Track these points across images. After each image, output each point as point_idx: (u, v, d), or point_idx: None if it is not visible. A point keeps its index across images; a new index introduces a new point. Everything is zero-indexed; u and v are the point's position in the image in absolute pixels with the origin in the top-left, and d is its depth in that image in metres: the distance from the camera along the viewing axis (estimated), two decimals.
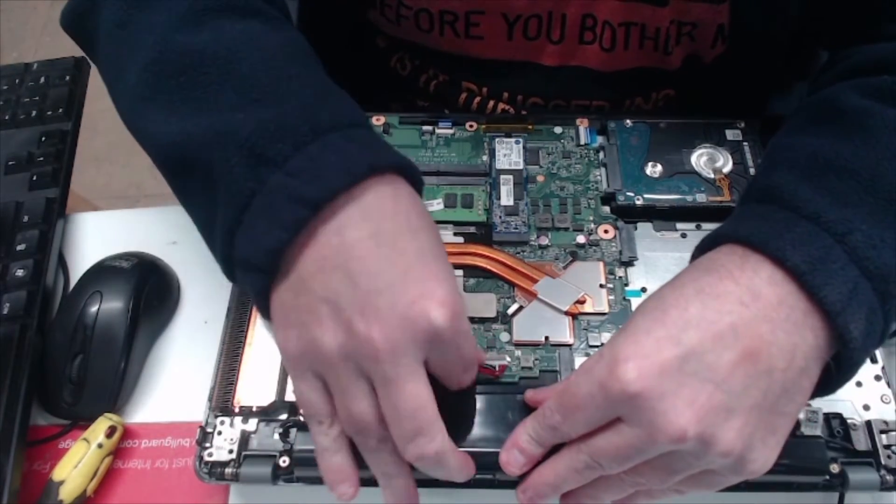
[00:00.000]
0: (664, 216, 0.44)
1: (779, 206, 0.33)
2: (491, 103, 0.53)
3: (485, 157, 0.46)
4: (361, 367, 0.30)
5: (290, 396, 0.37)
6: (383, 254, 0.31)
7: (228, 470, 0.37)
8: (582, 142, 0.47)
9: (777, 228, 0.32)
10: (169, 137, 0.34)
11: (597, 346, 0.39)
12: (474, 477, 0.36)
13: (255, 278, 0.32)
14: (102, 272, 0.45)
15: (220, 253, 0.33)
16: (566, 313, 0.40)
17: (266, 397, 0.37)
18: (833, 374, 0.32)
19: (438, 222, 0.43)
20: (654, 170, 0.45)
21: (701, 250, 0.34)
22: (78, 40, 0.43)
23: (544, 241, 0.43)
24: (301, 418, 0.37)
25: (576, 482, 0.33)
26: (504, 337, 0.40)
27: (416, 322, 0.29)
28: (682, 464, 0.30)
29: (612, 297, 0.41)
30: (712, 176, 0.45)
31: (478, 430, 0.36)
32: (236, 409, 0.38)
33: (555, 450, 0.33)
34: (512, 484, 0.37)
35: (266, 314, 0.33)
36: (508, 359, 0.39)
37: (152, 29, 0.36)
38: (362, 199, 0.31)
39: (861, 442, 0.37)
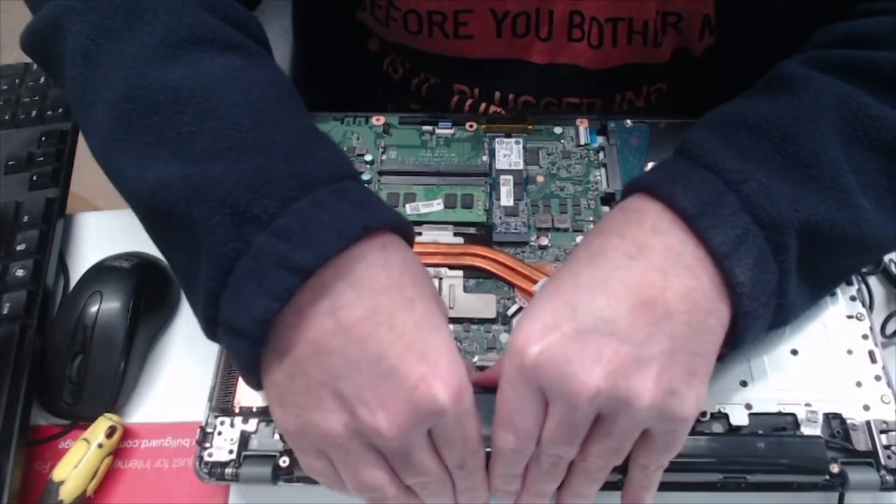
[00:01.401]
0: None
1: (683, 156, 0.34)
2: (483, 105, 0.54)
3: (485, 158, 0.46)
4: (368, 443, 0.30)
5: None
6: (381, 335, 0.29)
7: (228, 470, 0.37)
8: (582, 142, 0.47)
9: (673, 175, 0.33)
10: (146, 186, 0.32)
11: None
12: None
13: (242, 346, 0.30)
14: (102, 272, 0.45)
15: (202, 313, 0.31)
16: None
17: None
18: (731, 330, 0.32)
19: (438, 222, 0.43)
20: None
21: (622, 198, 0.35)
22: (41, 65, 0.39)
23: (544, 241, 0.43)
24: None
25: (553, 482, 0.33)
26: (504, 338, 0.40)
27: (421, 405, 0.29)
28: (615, 426, 0.30)
29: None
30: None
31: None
32: (236, 410, 0.38)
33: None
34: None
35: (253, 384, 0.32)
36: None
37: (123, 62, 0.33)
38: (354, 270, 0.30)
39: (861, 442, 0.37)
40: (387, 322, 0.29)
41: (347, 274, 0.30)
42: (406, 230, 0.33)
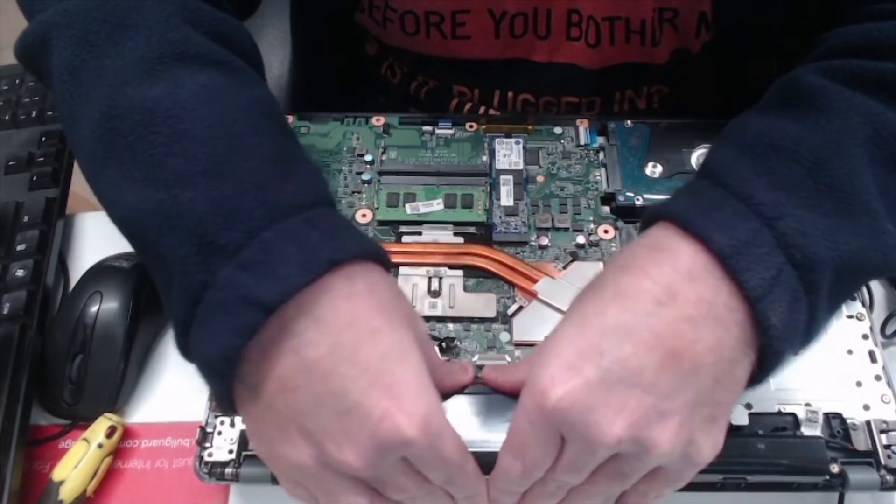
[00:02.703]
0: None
1: (712, 181, 0.32)
2: (482, 108, 0.54)
3: (485, 158, 0.46)
4: (342, 472, 0.30)
5: None
6: (345, 371, 0.29)
7: (228, 470, 0.37)
8: (582, 142, 0.47)
9: (705, 206, 0.31)
10: (123, 210, 0.31)
11: None
12: None
13: (213, 379, 0.30)
14: (102, 272, 0.45)
15: (176, 340, 0.31)
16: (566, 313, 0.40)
17: None
18: (757, 364, 0.32)
19: (438, 222, 0.43)
20: (654, 170, 0.45)
21: (642, 227, 0.34)
22: (35, 76, 0.38)
23: (544, 241, 0.43)
24: None
25: (554, 500, 0.33)
26: (504, 337, 0.40)
27: (386, 439, 0.28)
28: (630, 467, 0.31)
29: None
30: None
31: (478, 430, 0.36)
32: None
33: None
34: None
35: (227, 411, 0.33)
36: (508, 359, 0.39)
37: (105, 79, 0.32)
38: (317, 304, 0.29)
39: (861, 442, 0.37)
40: (350, 357, 0.29)
41: (311, 309, 0.29)
42: (379, 257, 0.32)
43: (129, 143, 0.31)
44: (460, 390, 0.36)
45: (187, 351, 0.31)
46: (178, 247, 0.29)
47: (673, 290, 0.30)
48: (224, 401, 0.31)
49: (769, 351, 0.30)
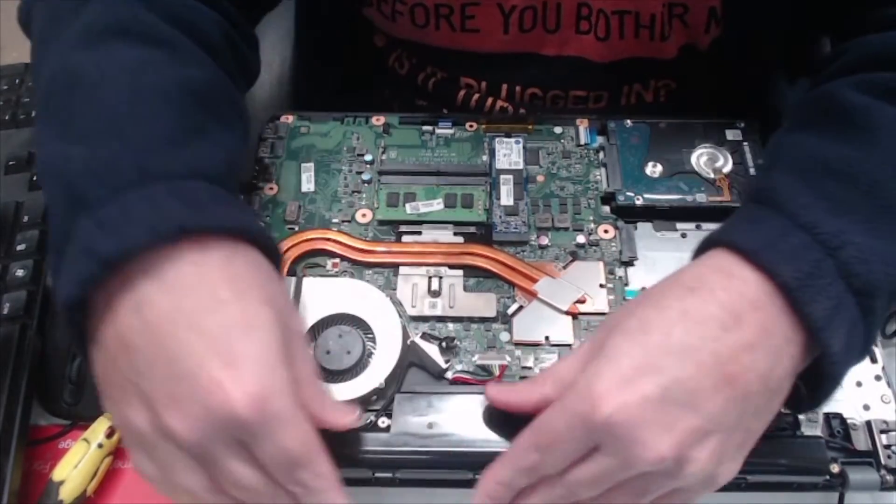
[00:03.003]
0: (664, 216, 0.44)
1: (775, 210, 0.33)
2: (490, 100, 0.54)
3: (485, 157, 0.46)
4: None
5: None
6: (182, 336, 0.28)
7: None
8: (582, 142, 0.47)
9: (770, 237, 0.31)
10: (39, 163, 0.33)
11: None
12: (473, 477, 0.36)
13: (68, 329, 0.31)
14: None
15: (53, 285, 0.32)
16: (566, 313, 0.40)
17: None
18: (813, 388, 0.32)
19: (438, 222, 0.43)
20: (654, 170, 0.45)
21: (699, 251, 0.34)
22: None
23: (544, 240, 0.43)
24: None
25: None
26: (504, 337, 0.40)
27: (214, 411, 0.27)
28: (655, 485, 0.31)
29: (612, 297, 0.41)
30: (712, 176, 0.45)
31: (477, 429, 0.36)
32: None
33: None
34: None
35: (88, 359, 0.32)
36: (508, 359, 0.39)
37: (59, 46, 0.34)
38: (165, 267, 0.29)
39: (861, 442, 0.37)
40: (189, 322, 0.28)
41: (157, 271, 0.29)
42: (258, 240, 0.32)
43: (56, 103, 0.33)
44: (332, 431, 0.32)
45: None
46: (58, 198, 0.31)
47: (739, 316, 0.30)
48: (81, 355, 0.32)
49: (829, 376, 0.31)
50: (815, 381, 0.32)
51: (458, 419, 0.37)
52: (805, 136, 0.36)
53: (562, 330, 0.40)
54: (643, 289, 0.41)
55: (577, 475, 0.31)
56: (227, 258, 0.30)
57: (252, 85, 0.46)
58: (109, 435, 0.41)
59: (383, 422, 0.37)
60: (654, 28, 0.47)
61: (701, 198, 0.44)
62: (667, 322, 0.31)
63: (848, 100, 0.35)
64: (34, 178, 0.49)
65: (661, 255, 0.43)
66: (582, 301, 0.40)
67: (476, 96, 0.54)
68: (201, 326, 0.28)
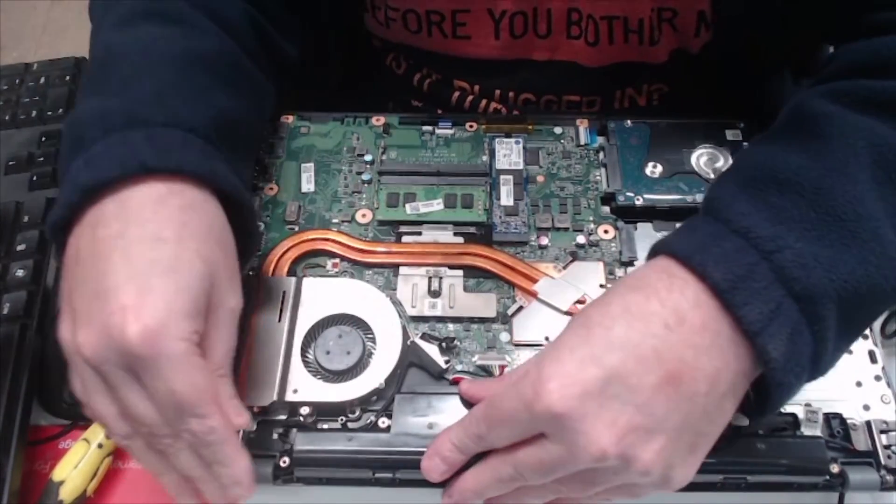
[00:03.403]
0: (664, 216, 0.44)
1: (713, 217, 0.33)
2: (483, 102, 0.54)
3: (485, 158, 0.46)
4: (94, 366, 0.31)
5: (290, 397, 0.37)
6: (114, 258, 0.30)
7: None
8: (582, 142, 0.47)
9: (704, 242, 0.32)
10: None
11: None
12: None
13: (56, 251, 0.34)
14: None
15: None
16: (566, 313, 0.40)
17: (266, 397, 0.37)
18: (762, 395, 0.32)
19: (438, 222, 0.43)
20: (654, 170, 0.45)
21: (647, 259, 0.34)
22: None
23: (544, 241, 0.43)
24: (301, 419, 0.37)
25: (499, 490, 0.33)
26: (504, 337, 0.40)
27: (111, 333, 0.29)
28: (602, 478, 0.31)
29: None
30: (712, 176, 0.45)
31: None
32: None
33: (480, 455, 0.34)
34: None
35: None
36: (508, 359, 0.39)
37: (102, 31, 0.40)
38: (127, 198, 0.32)
39: (861, 442, 0.37)
40: (124, 248, 0.31)
41: (122, 199, 0.32)
42: (227, 193, 0.34)
43: (91, 75, 0.39)
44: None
45: None
46: (66, 140, 0.35)
47: (681, 315, 0.30)
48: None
49: (772, 382, 0.31)
50: (763, 389, 0.31)
51: (458, 419, 0.37)
52: (762, 147, 0.36)
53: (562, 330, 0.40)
54: None
55: (523, 457, 0.31)
56: (189, 204, 0.33)
57: (291, 70, 0.48)
58: (109, 435, 0.41)
59: (383, 422, 0.37)
60: (643, 33, 0.48)
61: (701, 198, 0.44)
62: (609, 318, 0.31)
63: (814, 109, 0.35)
64: (34, 178, 0.49)
65: None
66: (582, 301, 0.40)
67: (470, 98, 0.54)
68: (132, 255, 0.31)
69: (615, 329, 0.30)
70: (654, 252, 0.33)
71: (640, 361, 0.30)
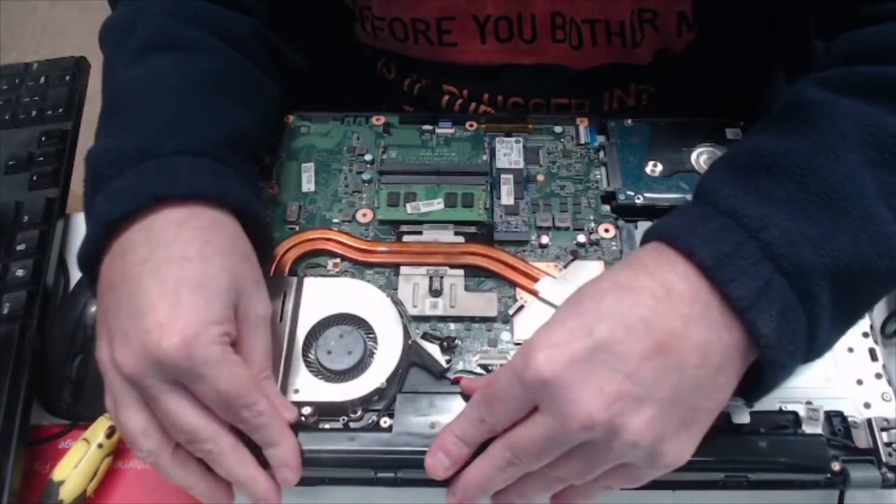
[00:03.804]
0: (664, 215, 0.44)
1: (701, 201, 0.33)
2: (473, 106, 0.54)
3: (485, 157, 0.46)
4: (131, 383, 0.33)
5: (291, 397, 0.37)
6: (145, 280, 0.32)
7: None
8: (582, 141, 0.47)
9: (692, 224, 0.32)
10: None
11: None
12: None
13: (88, 283, 0.36)
14: None
15: None
16: None
17: None
18: (758, 375, 0.32)
19: (439, 222, 0.43)
20: (654, 169, 0.45)
21: (640, 245, 0.35)
22: None
23: (545, 240, 0.43)
24: (303, 419, 0.37)
25: (502, 481, 0.33)
26: (505, 336, 0.40)
27: (149, 349, 0.31)
28: (596, 455, 0.31)
29: None
30: None
31: None
32: None
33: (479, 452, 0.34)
34: None
35: None
36: (510, 358, 0.39)
37: (114, 68, 0.41)
38: (151, 224, 0.34)
39: (862, 440, 0.37)
40: (153, 270, 0.33)
41: (146, 227, 0.34)
42: (241, 210, 0.36)
43: (106, 110, 0.39)
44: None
45: None
46: (88, 182, 0.36)
47: (669, 288, 0.31)
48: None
49: (765, 361, 0.31)
50: (758, 369, 0.31)
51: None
52: (754, 135, 0.36)
53: None
54: None
55: (518, 436, 0.32)
56: (206, 225, 0.35)
57: (297, 72, 0.50)
58: (109, 435, 0.41)
59: (385, 422, 0.37)
60: (624, 35, 0.48)
61: None
62: (599, 291, 0.32)
63: (806, 96, 0.35)
64: (34, 178, 0.49)
65: None
66: None
67: (459, 101, 0.54)
68: (161, 275, 0.33)
69: (605, 301, 0.31)
70: (646, 238, 0.34)
71: (628, 330, 0.30)
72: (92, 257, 0.35)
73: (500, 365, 0.39)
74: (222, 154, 0.37)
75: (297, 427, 0.36)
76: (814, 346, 0.32)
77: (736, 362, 0.31)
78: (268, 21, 0.46)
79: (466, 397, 0.37)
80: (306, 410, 0.37)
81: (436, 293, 0.41)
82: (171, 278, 0.32)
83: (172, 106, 0.38)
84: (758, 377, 0.32)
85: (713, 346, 0.30)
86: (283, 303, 0.39)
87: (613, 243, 0.43)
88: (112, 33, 0.43)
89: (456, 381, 0.38)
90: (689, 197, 0.44)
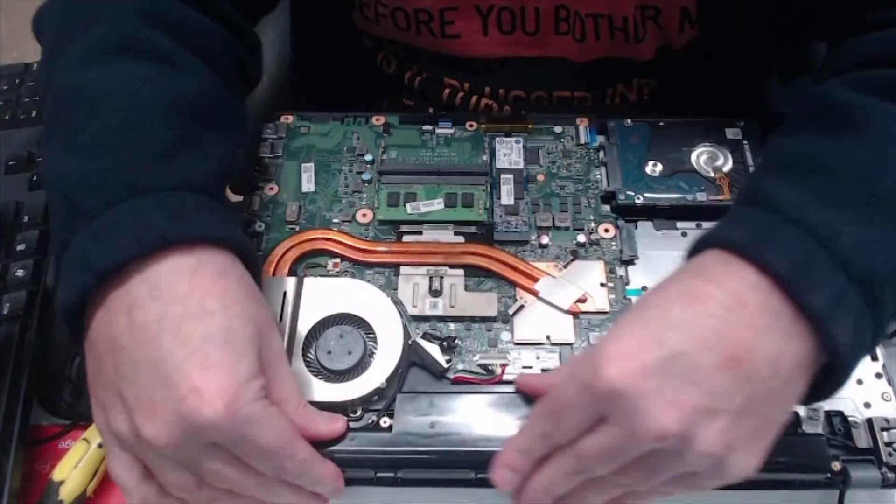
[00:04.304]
0: (664, 215, 0.44)
1: (763, 208, 0.33)
2: (474, 99, 0.54)
3: (485, 157, 0.46)
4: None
5: None
6: (165, 342, 0.30)
7: None
8: (582, 141, 0.47)
9: (760, 232, 0.32)
10: (44, 174, 0.35)
11: None
12: (475, 477, 0.36)
13: (69, 334, 0.33)
14: None
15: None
16: (567, 312, 0.40)
17: None
18: (824, 380, 0.32)
19: (439, 222, 0.43)
20: (654, 169, 0.45)
21: (690, 254, 0.34)
22: None
23: (545, 240, 0.43)
24: None
25: (566, 486, 0.33)
26: (505, 336, 0.40)
27: (188, 418, 0.29)
28: (664, 464, 0.31)
29: (612, 296, 0.41)
30: (712, 175, 0.45)
31: (479, 429, 0.36)
32: None
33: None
34: None
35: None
36: (510, 358, 0.39)
37: (64, 62, 0.36)
38: (155, 274, 0.31)
39: (862, 439, 0.37)
40: (173, 329, 0.30)
41: (151, 277, 0.31)
42: (242, 250, 0.33)
43: (61, 118, 0.35)
44: (326, 441, 0.35)
45: None
46: (58, 207, 0.33)
47: (739, 298, 0.30)
48: (81, 356, 0.33)
49: (838, 369, 0.31)
50: (823, 373, 0.32)
51: (460, 419, 0.37)
52: (796, 136, 0.36)
53: (563, 329, 0.40)
54: (644, 288, 0.41)
55: (586, 446, 0.31)
56: (222, 271, 0.32)
57: (255, 86, 0.47)
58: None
59: (385, 422, 0.37)
60: (627, 30, 0.48)
61: (701, 197, 0.44)
62: (666, 300, 0.31)
63: (841, 98, 0.35)
64: (34, 178, 0.49)
65: (662, 254, 0.43)
66: (583, 300, 0.41)
67: (460, 95, 0.54)
68: (185, 334, 0.30)
69: (672, 310, 0.30)
70: (703, 245, 0.33)
71: (700, 341, 0.29)
72: (79, 309, 0.31)
73: (501, 365, 0.39)
74: (215, 189, 0.35)
75: (347, 431, 0.36)
76: (872, 348, 0.33)
77: (805, 372, 0.31)
78: (237, 28, 0.43)
79: (521, 395, 0.37)
80: None
81: (436, 293, 0.41)
82: (195, 336, 0.30)
83: (158, 130, 0.34)
84: (821, 381, 0.32)
85: (784, 358, 0.30)
86: (283, 303, 0.39)
87: (613, 243, 0.43)
88: (59, 18, 0.38)
89: (456, 381, 0.38)
90: (689, 197, 0.44)
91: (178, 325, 0.30)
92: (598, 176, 0.46)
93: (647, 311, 0.31)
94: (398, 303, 0.40)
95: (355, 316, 0.39)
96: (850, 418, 0.37)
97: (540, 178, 0.46)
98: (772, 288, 0.30)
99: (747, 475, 0.31)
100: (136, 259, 0.30)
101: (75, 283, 0.31)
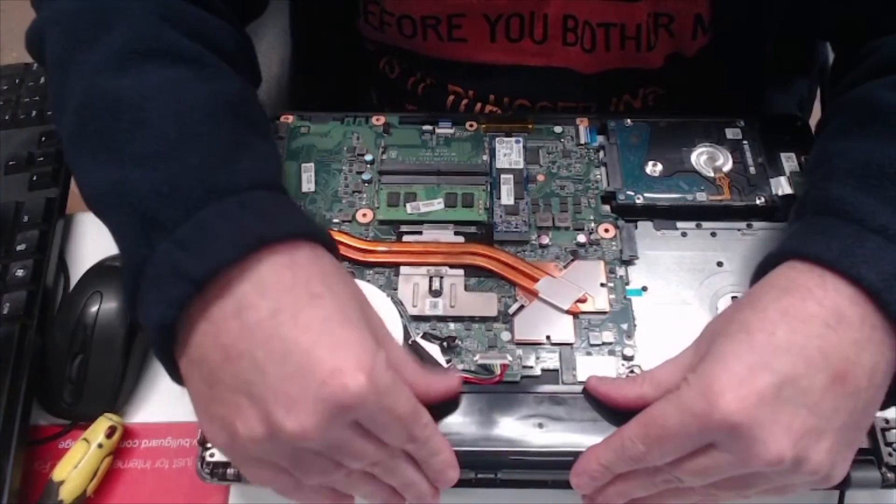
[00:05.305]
0: (664, 215, 0.44)
1: (843, 219, 0.33)
2: (478, 106, 0.54)
3: (485, 157, 0.46)
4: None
5: None
6: (286, 333, 0.29)
7: (230, 470, 0.37)
8: (582, 141, 0.47)
9: (847, 245, 0.32)
10: (88, 190, 0.34)
11: (598, 345, 0.39)
12: (476, 476, 0.36)
13: (157, 351, 0.31)
14: (102, 272, 0.45)
15: (129, 313, 0.33)
16: (567, 312, 0.40)
17: None
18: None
19: (439, 222, 0.43)
20: (654, 169, 0.45)
21: (764, 268, 0.34)
22: (42, 66, 0.41)
23: (545, 240, 0.43)
24: None
25: (647, 492, 0.33)
26: (505, 336, 0.40)
27: (333, 399, 0.28)
28: (765, 480, 0.31)
29: (612, 296, 0.41)
30: (712, 175, 0.45)
31: (480, 429, 0.36)
32: None
33: None
34: (515, 483, 0.37)
35: (177, 381, 0.32)
36: (510, 357, 0.39)
37: (84, 71, 0.35)
38: (257, 272, 0.30)
39: (862, 439, 0.37)
40: (291, 320, 0.29)
41: (252, 276, 0.30)
42: (324, 241, 0.33)
43: (96, 129, 0.33)
44: (445, 400, 0.35)
45: (139, 326, 0.32)
46: (125, 223, 0.31)
47: (839, 313, 0.31)
48: (173, 376, 0.32)
49: None
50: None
51: (460, 419, 0.37)
52: (850, 142, 0.36)
53: (563, 329, 0.40)
54: (644, 288, 0.41)
55: (688, 466, 0.31)
56: (313, 258, 0.32)
57: (258, 87, 0.46)
58: (109, 435, 0.41)
59: None
60: (640, 39, 0.48)
61: (701, 196, 0.44)
62: (769, 322, 0.31)
63: (885, 101, 0.36)
64: (34, 178, 0.49)
65: (662, 254, 0.43)
66: (583, 300, 0.41)
67: (464, 102, 0.54)
68: (302, 323, 0.29)
69: (778, 333, 0.30)
70: (780, 257, 0.33)
71: (808, 363, 0.30)
72: (173, 323, 0.30)
73: (501, 365, 0.39)
74: (279, 185, 0.34)
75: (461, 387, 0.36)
76: None
77: (890, 377, 0.32)
78: (238, 29, 0.42)
79: (588, 396, 0.36)
80: None
81: (436, 293, 0.41)
82: (315, 321, 0.29)
83: (214, 132, 0.33)
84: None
85: (878, 367, 0.31)
86: None
87: (613, 243, 0.43)
88: (62, 28, 0.36)
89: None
90: (688, 197, 0.44)
91: (295, 315, 0.29)
92: (598, 176, 0.46)
93: (752, 333, 0.31)
94: (398, 303, 0.40)
95: None
96: None
97: (540, 178, 0.46)
98: (866, 301, 0.31)
99: (838, 481, 0.31)
100: (232, 263, 0.29)
101: (171, 297, 0.29)
